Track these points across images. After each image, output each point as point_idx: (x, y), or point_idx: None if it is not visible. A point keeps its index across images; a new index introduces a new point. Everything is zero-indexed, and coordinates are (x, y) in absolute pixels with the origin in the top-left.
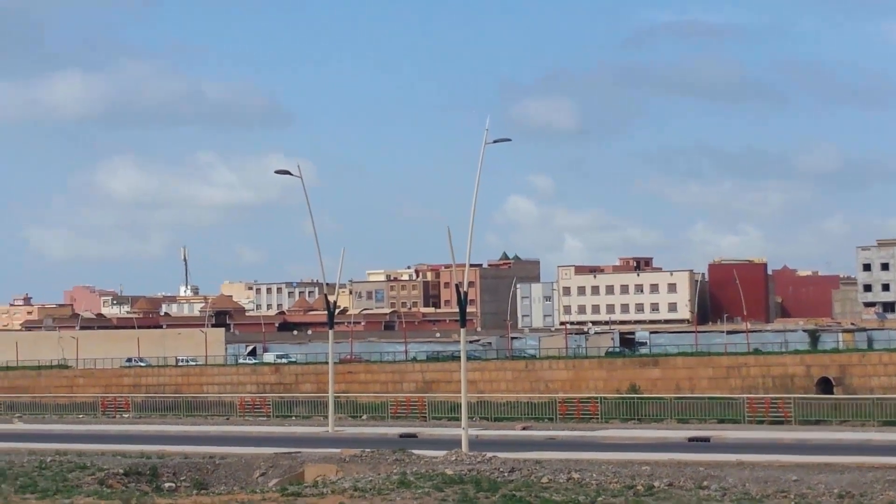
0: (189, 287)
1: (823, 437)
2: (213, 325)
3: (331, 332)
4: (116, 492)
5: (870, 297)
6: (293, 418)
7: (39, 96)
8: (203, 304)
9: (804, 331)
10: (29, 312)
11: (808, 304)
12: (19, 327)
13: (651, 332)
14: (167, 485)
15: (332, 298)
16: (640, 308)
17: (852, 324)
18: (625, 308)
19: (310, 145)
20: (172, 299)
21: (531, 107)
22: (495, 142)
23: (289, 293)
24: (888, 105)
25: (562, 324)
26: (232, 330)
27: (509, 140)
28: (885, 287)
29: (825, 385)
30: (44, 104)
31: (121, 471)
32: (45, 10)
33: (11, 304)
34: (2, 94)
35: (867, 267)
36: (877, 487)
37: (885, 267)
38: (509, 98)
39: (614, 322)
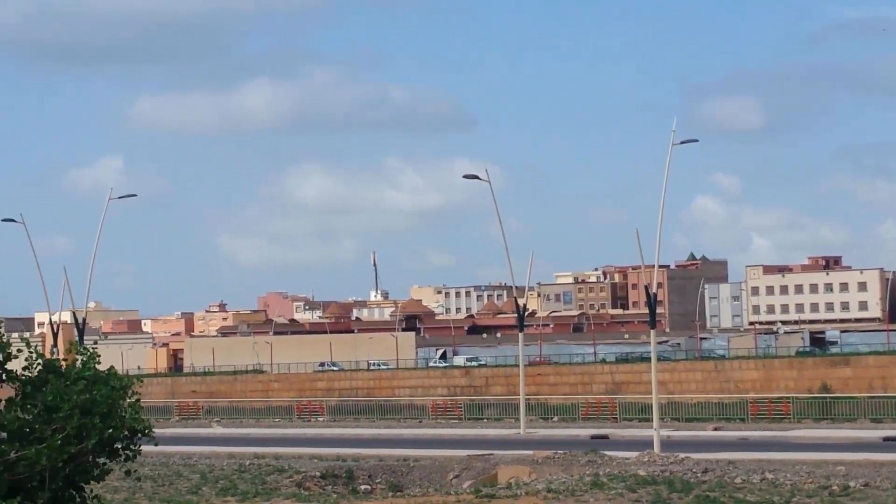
0: (379, 291)
1: None
2: (403, 329)
3: (521, 334)
4: (314, 494)
5: None
6: (484, 420)
7: (231, 106)
8: (393, 309)
9: None
10: (224, 319)
11: None
12: (215, 333)
13: (842, 331)
14: (363, 487)
15: (521, 301)
16: (829, 307)
17: None
18: (814, 307)
19: (495, 148)
20: (363, 304)
21: (716, 106)
22: (682, 143)
23: (477, 296)
24: None
25: (751, 324)
26: (422, 333)
27: (696, 141)
28: None
29: None
30: (235, 113)
31: (317, 473)
32: (235, 21)
33: (207, 311)
34: (196, 104)
35: None
36: None
37: None
38: (693, 98)
39: (804, 321)
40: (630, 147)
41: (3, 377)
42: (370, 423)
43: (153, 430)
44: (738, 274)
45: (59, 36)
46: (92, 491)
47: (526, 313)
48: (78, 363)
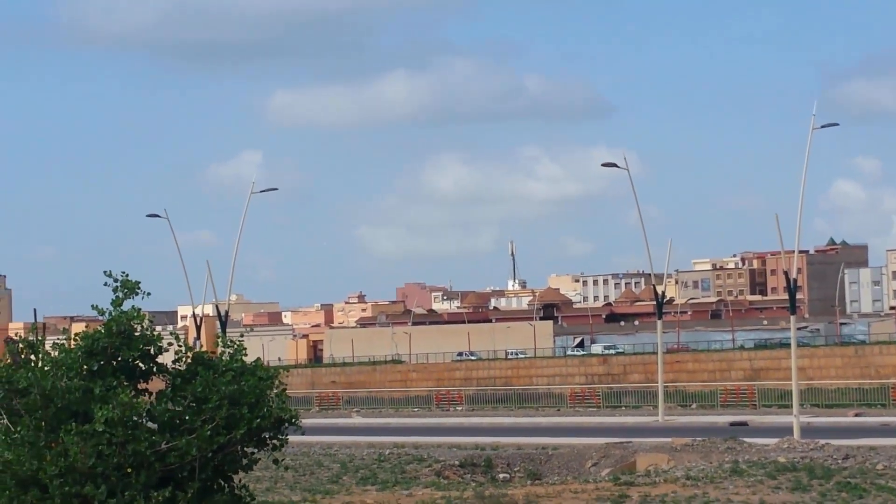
0: (517, 281)
1: None
2: (541, 318)
3: (659, 321)
4: (453, 483)
5: None
6: (622, 408)
7: (368, 98)
8: (531, 298)
9: None
10: (363, 310)
11: None
12: (354, 324)
13: None
14: (501, 475)
15: (659, 288)
16: None
17: None
18: None
19: (632, 136)
20: (500, 293)
21: (854, 89)
22: (823, 127)
23: (615, 284)
24: None
25: (892, 308)
26: (560, 322)
27: (837, 125)
28: None
29: None
30: (372, 106)
31: (456, 462)
32: (371, 15)
33: (346, 302)
34: (335, 97)
35: None
36: None
37: None
38: (831, 81)
39: None
40: (768, 132)
41: (155, 370)
42: (508, 412)
43: (300, 420)
44: (879, 258)
45: (195, 34)
46: (241, 480)
47: (664, 301)
48: (225, 356)
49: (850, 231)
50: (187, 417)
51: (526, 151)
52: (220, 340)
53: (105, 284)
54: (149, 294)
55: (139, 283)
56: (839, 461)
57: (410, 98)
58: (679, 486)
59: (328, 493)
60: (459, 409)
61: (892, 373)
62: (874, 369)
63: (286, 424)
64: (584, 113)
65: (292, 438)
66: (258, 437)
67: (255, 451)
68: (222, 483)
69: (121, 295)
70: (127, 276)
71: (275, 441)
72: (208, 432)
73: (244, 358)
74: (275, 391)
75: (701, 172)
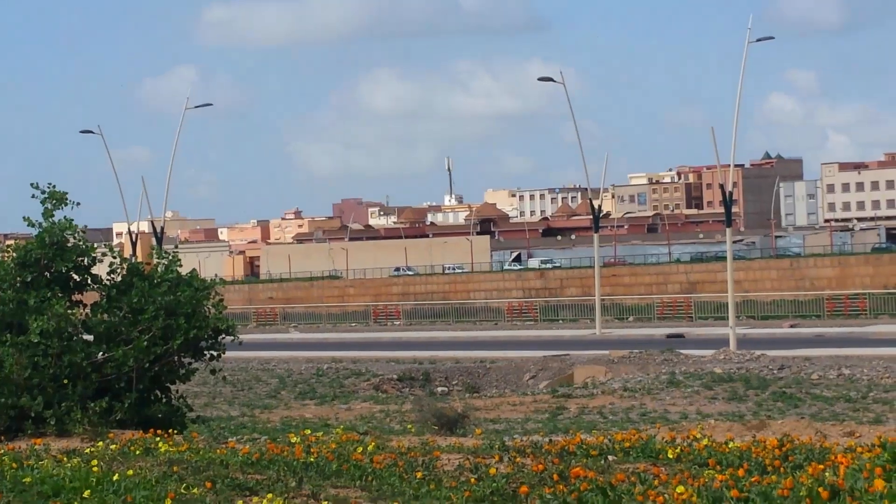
0: (453, 196)
1: None
2: (478, 233)
3: (595, 235)
4: (391, 396)
5: None
6: (559, 322)
7: (303, 14)
8: (467, 213)
9: None
10: (300, 226)
11: None
12: (291, 240)
13: None
14: (440, 389)
15: (595, 202)
16: None
17: None
18: (891, 204)
19: (569, 51)
20: (437, 209)
21: (790, 2)
22: (758, 40)
23: (552, 199)
24: None
25: (826, 221)
26: (496, 237)
27: (772, 38)
28: None
29: None
30: (307, 22)
31: (394, 376)
32: None
33: (283, 219)
34: (269, 13)
35: None
36: None
37: None
38: None
39: (880, 218)
40: (705, 46)
41: (90, 282)
42: (446, 326)
43: (237, 331)
44: (814, 172)
45: None
46: (178, 391)
47: (600, 215)
48: (160, 267)
49: (785, 145)
50: (123, 328)
51: (462, 67)
52: (154, 252)
53: (33, 196)
54: (78, 204)
55: (67, 193)
56: (775, 371)
57: (346, 14)
58: (616, 398)
59: (267, 408)
60: (397, 323)
61: (827, 285)
62: (809, 281)
63: (223, 335)
64: (521, 27)
65: (230, 354)
66: (195, 347)
67: (192, 361)
68: (159, 394)
69: (49, 206)
70: (54, 186)
71: (212, 351)
72: (145, 343)
73: (179, 269)
74: (211, 302)
75: (638, 87)
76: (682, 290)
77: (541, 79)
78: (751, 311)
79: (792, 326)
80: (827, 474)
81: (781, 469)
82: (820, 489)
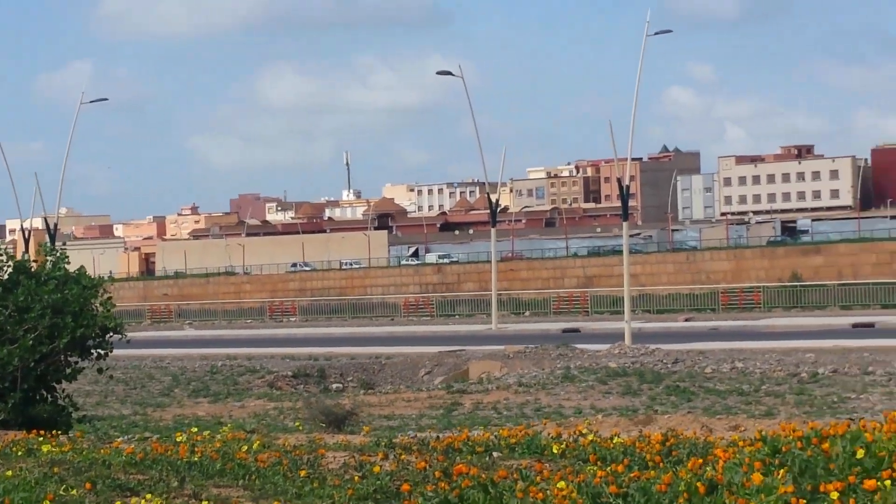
0: (351, 191)
1: None
2: (375, 228)
3: (493, 230)
4: (286, 394)
5: None
6: (456, 317)
7: (201, 8)
8: (365, 208)
9: None
10: (196, 221)
11: None
12: (187, 236)
13: (813, 220)
14: (335, 385)
15: (493, 197)
16: (801, 196)
17: None
18: (786, 197)
19: (469, 45)
20: (335, 204)
21: None
22: (656, 34)
23: (450, 193)
24: None
25: (722, 214)
26: (394, 232)
27: (670, 31)
28: None
29: None
30: (205, 15)
31: (289, 373)
32: None
33: (179, 214)
34: (166, 5)
35: None
36: None
37: None
38: None
39: (775, 211)
40: (605, 40)
41: None
42: (342, 322)
43: (125, 330)
44: (711, 165)
45: None
46: (64, 391)
47: (498, 209)
48: (48, 264)
49: (683, 138)
50: (9, 328)
51: (361, 60)
52: (42, 249)
53: None
54: None
55: None
56: (669, 365)
57: (245, 7)
58: (511, 393)
59: (160, 406)
60: (293, 319)
61: (723, 278)
62: (705, 275)
63: (111, 333)
64: (422, 22)
65: (123, 352)
66: (82, 346)
67: (79, 360)
68: (45, 393)
69: None
70: None
71: (99, 350)
72: (30, 342)
73: (67, 267)
74: (99, 300)
75: (538, 81)
76: (579, 285)
77: (439, 73)
78: (647, 305)
79: (687, 320)
80: (707, 469)
81: (661, 464)
82: (698, 484)
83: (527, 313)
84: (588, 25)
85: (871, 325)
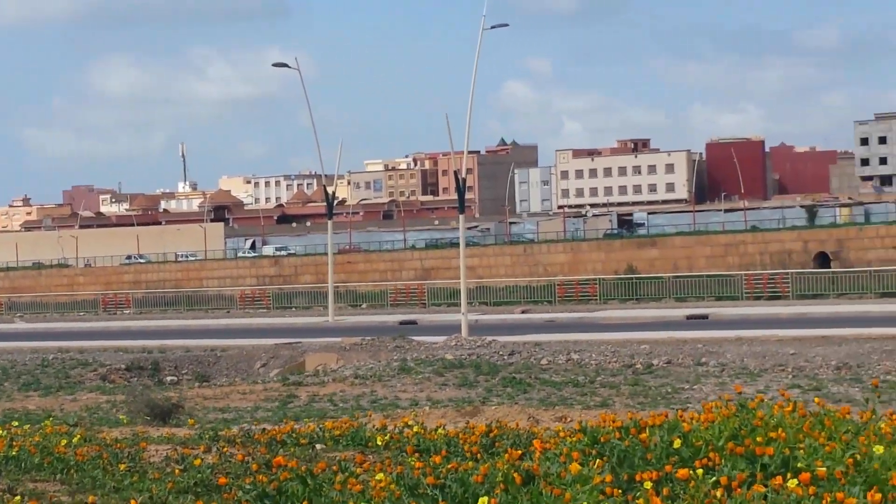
0: (188, 183)
1: (821, 311)
2: (211, 220)
3: (329, 222)
4: (119, 387)
5: (867, 171)
6: (293, 309)
7: None
8: (202, 200)
9: (801, 206)
10: (28, 213)
11: (806, 181)
12: (19, 228)
13: (649, 213)
14: (169, 378)
15: (330, 189)
16: (637, 190)
17: (850, 198)
18: (622, 190)
19: (308, 37)
20: (171, 196)
21: None
22: (493, 27)
23: (287, 186)
24: None
25: (560, 207)
26: (231, 224)
27: (506, 25)
28: (883, 160)
29: (822, 260)
30: (38, 3)
31: (122, 366)
32: None
33: (11, 206)
34: None
35: (864, 141)
36: (874, 358)
37: (882, 140)
38: None
39: (612, 204)
40: (444, 33)
41: None
42: (177, 315)
43: None
44: (549, 158)
45: None
46: None
47: (335, 201)
48: None
49: (521, 131)
50: None
51: (199, 52)
52: None
53: None
54: None
55: None
56: (505, 357)
57: None
58: (347, 385)
59: None
60: (127, 312)
61: (560, 270)
62: (542, 267)
63: None
64: (259, 14)
65: None
66: None
67: None
68: None
69: None
70: None
71: None
72: None
73: None
74: None
75: (376, 74)
76: (417, 277)
77: (275, 64)
78: (484, 297)
79: (524, 312)
80: (526, 460)
81: (479, 455)
82: (515, 474)
83: (364, 305)
84: (427, 18)
85: (704, 316)
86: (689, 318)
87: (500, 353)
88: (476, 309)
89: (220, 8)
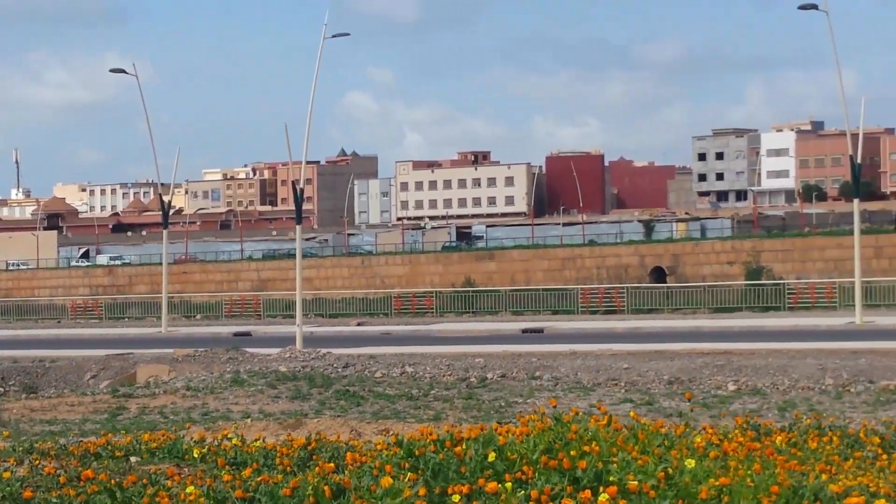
0: (21, 190)
1: (655, 326)
2: (45, 228)
3: (165, 231)
4: None
5: (704, 186)
6: (126, 320)
7: None
8: (35, 207)
9: (639, 221)
10: None
11: (644, 195)
12: None
13: (488, 226)
14: None
15: (167, 198)
16: (477, 202)
17: (686, 213)
18: (462, 202)
19: (147, 43)
20: (3, 203)
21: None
22: (334, 36)
23: (123, 194)
24: None
25: (399, 219)
26: (65, 232)
27: (348, 35)
28: (720, 176)
29: (658, 274)
30: None
31: None
32: None
33: None
34: None
35: (702, 157)
36: (705, 372)
37: (719, 156)
38: None
39: (451, 217)
40: (287, 41)
41: None
42: (6, 325)
43: None
44: (389, 170)
45: None
46: None
47: (172, 210)
48: None
49: (362, 142)
50: None
51: (34, 57)
52: None
53: None
54: None
55: None
56: (339, 370)
57: None
58: (179, 398)
59: None
60: None
61: (398, 282)
62: (379, 279)
63: None
64: (97, 18)
65: None
66: None
67: None
68: None
69: None
70: None
71: None
72: None
73: None
74: None
75: (216, 81)
76: (254, 288)
77: (112, 70)
78: (320, 308)
79: (359, 324)
80: (339, 473)
81: (289, 469)
82: (325, 487)
83: (198, 317)
84: (268, 27)
85: (540, 330)
86: (524, 331)
87: (335, 365)
88: (312, 321)
89: (58, 11)
